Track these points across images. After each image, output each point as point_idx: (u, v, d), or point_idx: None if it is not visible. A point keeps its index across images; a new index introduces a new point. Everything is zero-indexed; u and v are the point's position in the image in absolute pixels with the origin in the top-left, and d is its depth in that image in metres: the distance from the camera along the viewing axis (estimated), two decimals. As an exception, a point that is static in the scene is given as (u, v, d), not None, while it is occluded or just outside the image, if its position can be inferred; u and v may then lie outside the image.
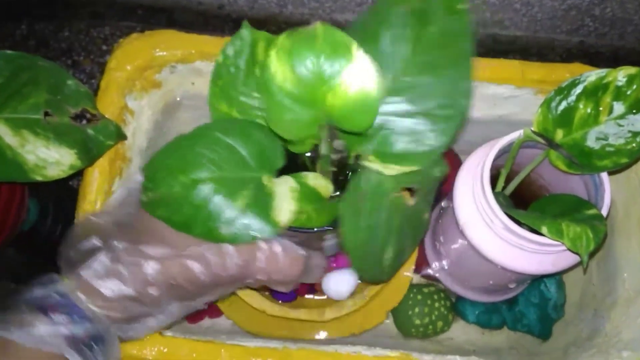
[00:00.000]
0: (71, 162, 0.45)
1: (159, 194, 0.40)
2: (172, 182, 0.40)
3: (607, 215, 0.42)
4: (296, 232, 0.46)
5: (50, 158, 0.43)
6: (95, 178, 0.52)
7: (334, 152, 0.44)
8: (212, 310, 0.61)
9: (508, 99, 0.58)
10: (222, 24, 0.75)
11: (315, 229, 0.45)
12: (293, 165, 0.46)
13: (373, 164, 0.42)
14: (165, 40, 0.57)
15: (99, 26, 0.79)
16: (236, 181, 0.41)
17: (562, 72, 0.56)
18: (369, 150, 0.42)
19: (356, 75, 0.34)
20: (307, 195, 0.44)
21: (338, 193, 0.49)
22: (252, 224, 0.40)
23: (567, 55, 0.73)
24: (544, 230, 0.39)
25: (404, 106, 0.42)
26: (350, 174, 0.50)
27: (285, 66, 0.34)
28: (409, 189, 0.45)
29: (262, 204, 0.41)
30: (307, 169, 0.48)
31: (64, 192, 0.63)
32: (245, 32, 0.44)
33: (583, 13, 0.66)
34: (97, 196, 0.53)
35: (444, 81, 0.41)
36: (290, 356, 0.48)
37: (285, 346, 0.49)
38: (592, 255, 0.47)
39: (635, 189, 0.55)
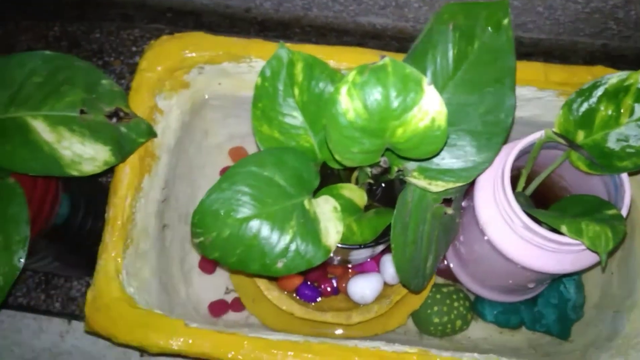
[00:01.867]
0: (105, 158, 0.46)
1: (210, 238, 0.42)
2: (221, 225, 0.42)
3: (627, 215, 0.43)
4: (341, 248, 0.47)
5: (85, 154, 0.45)
6: (127, 174, 0.55)
7: (377, 167, 0.45)
8: (235, 304, 0.63)
9: (530, 100, 0.58)
10: (248, 26, 0.77)
11: (360, 246, 0.46)
12: (323, 175, 0.47)
13: (419, 181, 0.43)
14: (194, 42, 0.59)
15: (129, 28, 0.81)
16: (281, 212, 0.42)
17: (585, 75, 0.56)
18: (413, 166, 0.43)
19: (426, 109, 0.35)
20: (345, 206, 0.46)
21: (370, 202, 0.50)
22: (304, 251, 0.42)
23: (590, 58, 0.73)
24: (564, 229, 0.39)
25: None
26: (384, 184, 0.51)
27: (356, 102, 0.35)
28: (447, 199, 0.46)
29: (309, 230, 0.42)
30: (339, 179, 0.50)
31: (94, 189, 0.65)
32: (282, 52, 0.45)
33: (606, 16, 0.66)
34: (128, 191, 0.55)
35: (487, 98, 0.42)
36: (311, 349, 0.49)
37: (306, 340, 0.51)
38: (611, 255, 0.47)
39: (657, 192, 0.55)
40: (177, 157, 0.63)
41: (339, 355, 0.49)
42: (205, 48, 0.59)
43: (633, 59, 0.72)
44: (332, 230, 0.43)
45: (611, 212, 0.42)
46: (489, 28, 0.42)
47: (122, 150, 0.48)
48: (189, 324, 0.51)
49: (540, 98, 0.57)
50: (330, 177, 0.51)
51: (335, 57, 0.58)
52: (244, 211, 0.42)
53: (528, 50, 0.72)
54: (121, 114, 0.49)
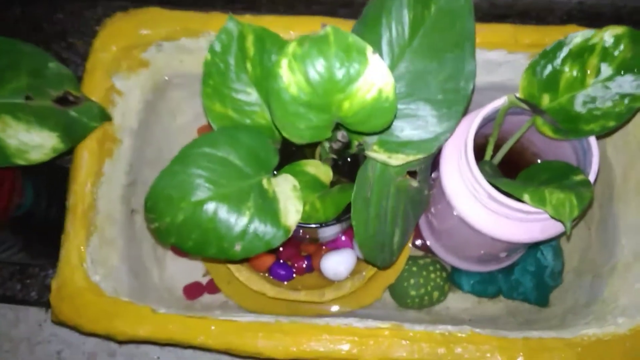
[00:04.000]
0: (53, 144, 0.45)
1: (164, 223, 0.40)
2: (175, 210, 0.40)
3: (596, 180, 0.41)
4: (302, 227, 0.46)
5: (31, 142, 0.44)
6: (85, 160, 0.53)
7: (335, 141, 0.43)
8: (211, 286, 0.62)
9: (501, 64, 0.56)
10: (212, 0, 0.74)
11: (322, 224, 0.45)
12: (287, 152, 0.45)
13: (378, 154, 0.41)
14: (149, 19, 0.57)
15: (91, 7, 0.78)
16: (237, 193, 0.41)
17: (556, 35, 0.53)
18: (373, 140, 0.42)
19: (372, 81, 0.33)
20: (309, 183, 0.44)
21: (337, 178, 0.49)
22: (263, 232, 0.40)
23: (567, 17, 0.71)
24: (526, 198, 0.38)
25: (404, 92, 0.41)
26: (349, 159, 0.50)
27: (298, 75, 0.33)
28: (412, 171, 0.45)
29: (268, 210, 0.41)
30: (304, 155, 0.48)
31: (59, 175, 0.63)
32: (231, 25, 0.43)
33: (581, -28, 0.63)
34: (87, 178, 0.53)
35: (445, 65, 0.40)
36: (282, 329, 0.48)
37: (277, 320, 0.50)
38: (578, 220, 0.46)
39: (634, 154, 0.54)
40: (143, 139, 0.61)
41: (310, 333, 0.48)
42: (161, 24, 0.57)
43: (610, 16, 0.70)
44: (292, 209, 0.42)
45: (578, 177, 0.40)
46: (446, -11, 0.39)
47: (73, 135, 0.46)
48: (157, 310, 0.50)
49: (510, 61, 0.55)
50: (296, 153, 0.49)
51: (296, 28, 0.56)
52: (198, 194, 0.40)
53: (503, 12, 0.70)
54: (70, 98, 0.47)
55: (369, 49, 0.32)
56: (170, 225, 0.40)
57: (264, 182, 0.42)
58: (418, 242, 0.60)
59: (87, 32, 0.78)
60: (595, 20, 0.71)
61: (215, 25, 0.57)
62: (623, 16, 0.70)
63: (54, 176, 0.62)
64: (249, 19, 0.55)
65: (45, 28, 0.79)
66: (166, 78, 0.61)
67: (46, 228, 0.58)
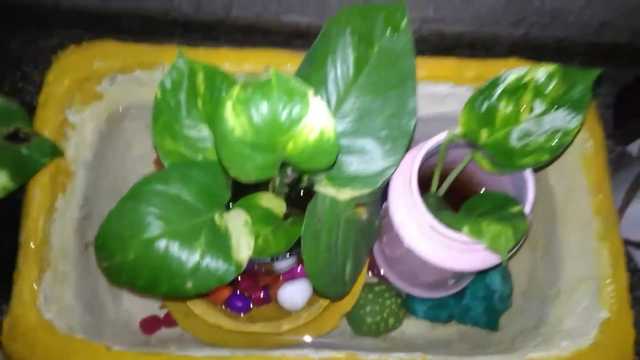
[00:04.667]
0: (3, 183, 0.45)
1: (115, 262, 0.40)
2: (126, 248, 0.40)
3: (531, 211, 0.43)
4: (255, 262, 0.46)
5: (-21, 181, 0.43)
6: (37, 195, 0.53)
7: (286, 176, 0.44)
8: (168, 319, 0.62)
9: (447, 96, 0.58)
10: (170, 29, 0.75)
11: (274, 258, 0.45)
12: (241, 185, 0.46)
13: (327, 189, 0.43)
14: (103, 51, 0.57)
15: (47, 36, 0.78)
16: (189, 230, 0.41)
17: (499, 68, 0.56)
18: (322, 175, 0.43)
19: (314, 123, 0.34)
20: (262, 217, 0.45)
21: (290, 210, 0.50)
22: (215, 268, 0.41)
23: (513, 47, 0.74)
24: (465, 230, 0.40)
25: (350, 128, 0.42)
26: (302, 191, 0.51)
27: (242, 118, 0.34)
28: (361, 203, 0.46)
29: (220, 246, 0.41)
30: (258, 187, 0.49)
31: (13, 208, 0.62)
32: (181, 62, 0.43)
33: (523, 6, 0.66)
34: (40, 213, 0.53)
35: (389, 102, 0.42)
36: (238, 363, 0.49)
37: (233, 354, 0.50)
38: (517, 249, 0.48)
39: (573, 181, 0.57)
40: (97, 170, 0.61)
41: (265, 366, 0.49)
42: (115, 57, 0.57)
43: (554, 47, 0.73)
44: (244, 244, 0.42)
45: (515, 209, 0.42)
46: (388, 31, 0.41)
47: (23, 173, 0.46)
48: (112, 348, 0.50)
49: (455, 94, 0.57)
50: (249, 186, 0.50)
51: (250, 60, 0.57)
52: (150, 231, 0.41)
53: (451, 44, 0.73)
54: (21, 134, 0.47)
55: (310, 92, 0.33)
56: (121, 264, 0.40)
57: (216, 217, 0.43)
58: (374, 270, 0.61)
59: (43, 61, 0.78)
60: (540, 51, 0.74)
61: (169, 58, 0.57)
62: (565, 47, 0.73)
63: (7, 209, 0.61)
64: (203, 53, 0.57)
65: (0, 57, 0.78)
66: (121, 110, 0.62)
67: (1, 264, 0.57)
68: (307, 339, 0.58)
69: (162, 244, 0.40)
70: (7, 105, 0.47)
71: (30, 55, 0.78)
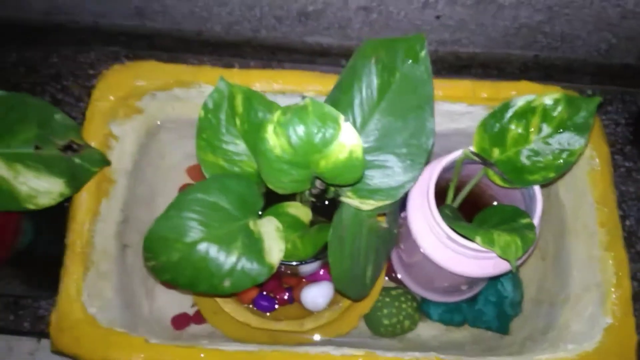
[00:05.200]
0: (60, 190, 0.49)
1: (160, 262, 0.45)
2: (171, 250, 0.45)
3: (539, 223, 0.47)
4: (284, 264, 0.51)
5: (41, 188, 0.48)
6: (84, 200, 0.57)
7: (315, 188, 0.49)
8: (197, 317, 0.66)
9: (463, 114, 0.63)
10: (201, 47, 0.80)
11: (302, 262, 0.50)
12: (272, 194, 0.50)
13: (351, 200, 0.47)
14: (145, 71, 0.62)
15: (85, 52, 0.83)
16: (227, 234, 0.46)
17: (509, 90, 0.60)
18: (347, 187, 0.47)
19: (344, 143, 0.39)
20: (291, 224, 0.49)
21: (316, 218, 0.54)
22: (249, 269, 0.45)
23: (524, 67, 0.78)
24: (478, 240, 0.44)
25: (374, 146, 0.47)
26: (327, 201, 0.55)
27: (282, 139, 0.39)
28: (382, 213, 0.50)
29: (254, 249, 0.46)
30: (286, 197, 0.53)
31: (59, 213, 0.67)
32: (222, 85, 0.48)
33: (534, 30, 0.71)
34: (86, 217, 0.57)
35: (409, 123, 0.47)
36: (265, 358, 0.53)
37: (260, 349, 0.54)
38: (526, 258, 0.51)
39: (581, 195, 0.60)
40: (135, 179, 0.65)
41: (291, 361, 0.53)
42: (156, 76, 0.62)
43: (563, 68, 0.77)
44: (275, 248, 0.47)
45: (525, 221, 0.46)
46: (409, 60, 0.46)
47: (77, 181, 0.51)
48: (149, 340, 0.54)
49: (471, 112, 0.61)
50: (279, 195, 0.55)
51: (279, 80, 0.61)
52: (192, 235, 0.45)
53: (466, 64, 0.77)
54: (74, 146, 0.52)
55: (342, 117, 0.38)
56: (166, 264, 0.45)
57: (251, 223, 0.47)
58: (392, 274, 0.65)
59: (81, 75, 0.83)
60: (550, 71, 0.78)
61: (204, 77, 0.62)
62: (574, 68, 0.77)
63: (54, 214, 0.66)
64: (236, 73, 0.61)
65: (41, 71, 0.83)
66: (158, 123, 0.66)
67: (47, 263, 0.62)
68: (328, 337, 0.62)
69: (202, 247, 0.45)
70: (63, 120, 0.51)
71: (69, 70, 0.83)
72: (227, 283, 0.45)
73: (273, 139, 0.38)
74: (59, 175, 0.49)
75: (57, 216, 0.66)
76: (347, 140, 0.38)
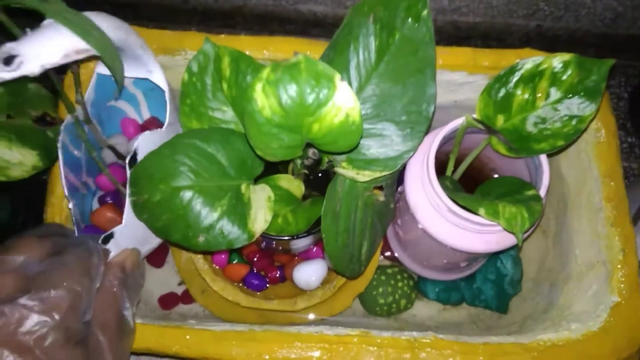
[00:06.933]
0: (33, 163, 0.46)
1: (141, 199, 0.42)
2: (153, 189, 0.42)
3: (547, 194, 0.45)
4: (275, 239, 0.48)
5: (13, 159, 0.45)
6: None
7: (307, 158, 0.46)
8: (185, 296, 0.64)
9: (463, 84, 0.59)
10: (189, 17, 0.76)
11: (294, 236, 0.47)
12: (267, 166, 0.47)
13: (347, 171, 0.44)
14: (127, 37, 0.58)
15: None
16: (215, 189, 0.43)
17: (513, 58, 0.57)
18: (342, 157, 0.44)
19: (340, 105, 0.35)
20: (282, 197, 0.46)
21: (309, 192, 0.51)
22: (228, 232, 0.42)
23: (526, 39, 0.75)
24: (482, 211, 0.41)
25: (371, 113, 0.44)
26: (320, 174, 0.52)
27: (271, 99, 0.35)
28: (379, 186, 0.47)
29: (238, 213, 0.43)
30: (278, 170, 0.50)
31: (37, 188, 0.64)
32: (208, 47, 0.45)
33: (537, -2, 0.68)
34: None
35: (409, 88, 0.43)
36: (255, 337, 0.50)
37: (251, 329, 0.52)
38: (530, 233, 0.49)
39: (585, 169, 0.58)
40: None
41: (282, 341, 0.50)
42: (138, 43, 0.58)
43: (566, 38, 0.74)
44: (261, 218, 0.44)
45: (530, 192, 0.44)
46: (409, 19, 0.42)
47: (51, 155, 0.48)
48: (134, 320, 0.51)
49: (471, 82, 0.58)
50: (269, 168, 0.52)
51: (270, 47, 0.58)
52: (179, 181, 0.42)
53: (465, 34, 0.74)
54: (48, 118, 0.48)
55: (337, 76, 0.35)
56: (146, 203, 0.42)
57: (243, 186, 0.44)
58: (386, 252, 0.62)
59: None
60: (552, 42, 0.75)
61: (190, 44, 0.59)
62: (577, 38, 0.74)
63: (31, 188, 0.63)
64: (224, 39, 0.58)
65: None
66: (143, 93, 0.63)
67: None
68: (321, 317, 0.60)
69: (187, 195, 0.42)
70: (38, 90, 0.48)
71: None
72: (201, 239, 0.42)
73: (262, 99, 0.35)
74: (32, 147, 0.46)
75: (35, 190, 0.63)
76: (344, 102, 0.35)
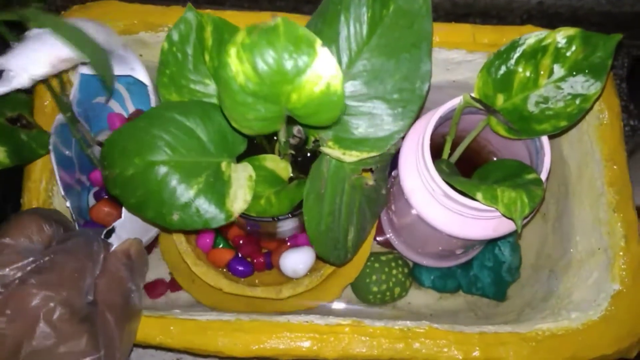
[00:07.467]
0: (0, 158, 0.45)
1: (113, 173, 0.39)
2: (126, 163, 0.39)
3: (549, 177, 0.42)
4: (256, 221, 0.46)
5: (-21, 152, 0.43)
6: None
7: (292, 137, 0.43)
8: (173, 284, 0.61)
9: (461, 63, 0.57)
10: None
11: (275, 218, 0.44)
12: (251, 145, 0.45)
13: (333, 151, 0.41)
14: (106, 12, 0.55)
15: (50, -4, 0.76)
16: (193, 166, 0.40)
17: (514, 35, 0.54)
18: (328, 136, 0.42)
19: (321, 73, 0.33)
20: (267, 178, 0.44)
21: (297, 174, 0.49)
22: (204, 211, 0.40)
23: (527, 16, 0.72)
24: (479, 196, 0.39)
25: (360, 90, 0.41)
26: (308, 154, 0.50)
27: (246, 65, 0.33)
28: (369, 169, 0.45)
29: (217, 191, 0.40)
30: (264, 150, 0.48)
31: (14, 174, 0.62)
32: (190, 15, 0.42)
33: (539, -28, 0.65)
34: (42, 174, 0.52)
35: (402, 64, 0.40)
36: (242, 328, 0.48)
37: (238, 318, 0.50)
38: (530, 219, 0.47)
39: (587, 152, 0.55)
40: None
41: (271, 331, 0.48)
42: (119, 17, 0.55)
43: (568, 16, 0.71)
44: (241, 197, 0.42)
45: (531, 176, 0.41)
46: (404, -11, 0.39)
47: (20, 156, 0.47)
48: (115, 310, 0.49)
49: (470, 61, 0.56)
50: (256, 148, 0.49)
51: (258, 22, 0.55)
52: (155, 155, 0.40)
53: (464, 11, 0.71)
54: (23, 121, 0.47)
55: (318, 42, 0.32)
56: (118, 177, 0.40)
57: (223, 164, 0.42)
58: (380, 238, 0.60)
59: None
60: (554, 19, 0.72)
61: (174, 20, 0.55)
62: (580, 17, 0.71)
63: (8, 174, 0.60)
64: (210, 14, 0.55)
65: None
66: (124, 72, 0.60)
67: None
68: (313, 305, 0.58)
69: (162, 170, 0.40)
70: (15, 93, 0.46)
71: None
72: (175, 217, 0.40)
73: (236, 65, 0.32)
74: (1, 142, 0.44)
75: (13, 178, 0.61)
76: (324, 70, 0.32)
